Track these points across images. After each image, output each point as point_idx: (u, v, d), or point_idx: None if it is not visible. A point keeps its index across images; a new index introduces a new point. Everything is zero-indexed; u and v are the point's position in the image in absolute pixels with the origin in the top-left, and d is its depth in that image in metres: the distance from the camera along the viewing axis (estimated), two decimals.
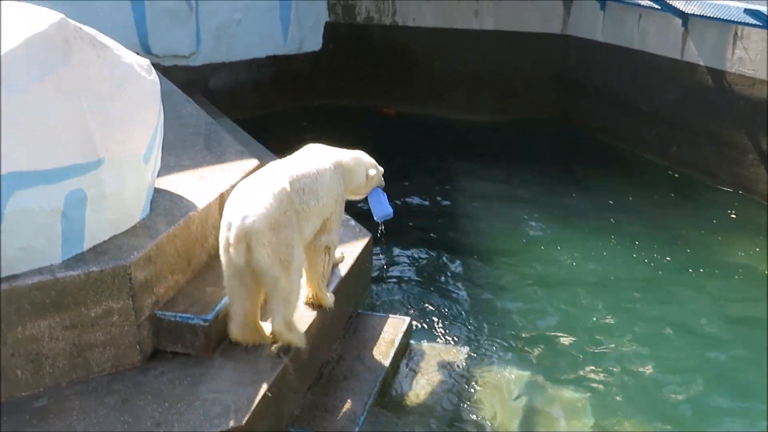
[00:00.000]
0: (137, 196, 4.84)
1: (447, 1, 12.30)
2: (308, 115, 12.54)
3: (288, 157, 5.21)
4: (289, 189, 4.67)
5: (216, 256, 5.37)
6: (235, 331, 4.73)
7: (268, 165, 5.08)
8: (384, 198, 5.71)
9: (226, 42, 11.90)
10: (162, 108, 5.12)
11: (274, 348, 4.76)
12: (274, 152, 8.37)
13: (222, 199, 5.53)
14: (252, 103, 12.21)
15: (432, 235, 8.80)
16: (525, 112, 12.41)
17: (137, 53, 5.23)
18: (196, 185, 5.60)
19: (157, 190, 5.33)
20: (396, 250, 8.43)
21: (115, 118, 4.55)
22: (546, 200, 9.74)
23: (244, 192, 4.61)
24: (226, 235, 4.47)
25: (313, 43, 12.91)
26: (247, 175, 5.90)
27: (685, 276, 7.94)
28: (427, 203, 9.70)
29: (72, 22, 4.43)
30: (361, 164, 5.51)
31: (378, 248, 8.15)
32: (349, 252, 6.42)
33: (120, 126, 4.58)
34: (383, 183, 5.73)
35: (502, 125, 12.34)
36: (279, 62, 12.55)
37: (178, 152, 6.30)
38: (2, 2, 4.46)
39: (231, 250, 4.43)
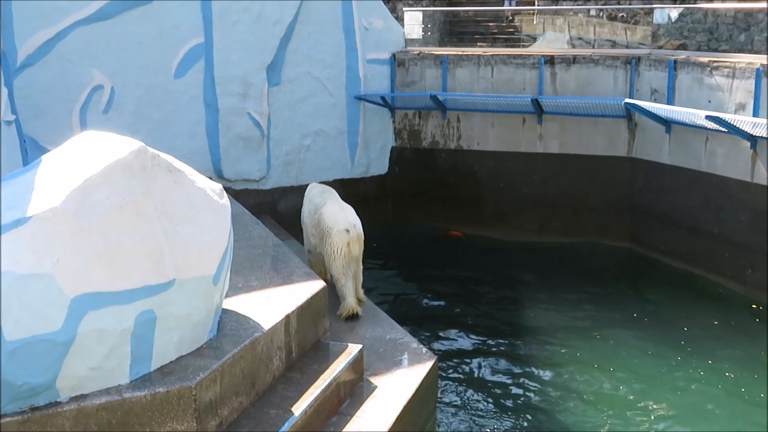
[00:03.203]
0: (205, 317, 4.90)
1: (510, 125, 12.50)
2: (375, 236, 12.62)
3: (316, 191, 8.54)
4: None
5: (280, 378, 5.36)
6: (353, 304, 7.60)
7: (331, 197, 8.25)
8: None
9: (295, 166, 12.26)
10: (232, 230, 5.25)
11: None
12: None
13: (288, 320, 5.57)
14: None
15: (497, 358, 8.62)
16: (592, 234, 12.29)
17: (210, 177, 5.42)
18: (262, 306, 5.66)
19: (224, 311, 5.39)
20: (461, 374, 8.26)
21: (188, 240, 4.68)
22: (615, 325, 9.47)
23: (344, 210, 7.84)
24: (347, 237, 7.51)
25: (380, 166, 13.19)
26: (314, 296, 5.99)
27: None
28: (493, 326, 9.54)
29: (150, 149, 4.65)
30: None
31: (443, 372, 8.00)
32: (413, 376, 6.32)
33: (192, 248, 4.70)
34: None
35: (570, 248, 12.22)
36: (346, 185, 12.80)
37: (247, 273, 6.41)
38: (86, 132, 4.73)
39: (354, 245, 7.54)
